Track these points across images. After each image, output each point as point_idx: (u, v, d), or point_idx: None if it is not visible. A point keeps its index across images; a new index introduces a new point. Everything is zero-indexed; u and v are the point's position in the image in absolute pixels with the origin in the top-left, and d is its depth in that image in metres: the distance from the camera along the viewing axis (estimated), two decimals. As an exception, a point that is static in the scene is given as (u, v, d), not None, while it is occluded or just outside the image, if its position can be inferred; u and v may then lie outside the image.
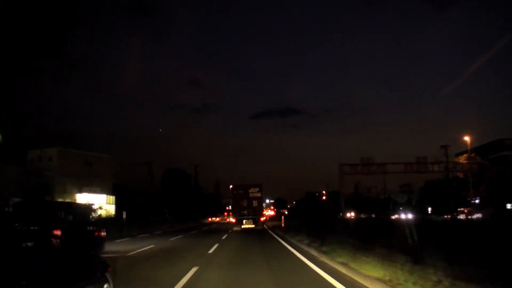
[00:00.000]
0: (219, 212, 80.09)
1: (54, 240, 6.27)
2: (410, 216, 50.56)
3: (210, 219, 71.41)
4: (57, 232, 6.55)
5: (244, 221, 29.61)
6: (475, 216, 43.29)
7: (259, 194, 30.91)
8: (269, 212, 69.16)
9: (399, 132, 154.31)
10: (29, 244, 5.08)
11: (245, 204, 30.30)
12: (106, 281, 4.74)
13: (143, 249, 15.53)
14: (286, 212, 72.71)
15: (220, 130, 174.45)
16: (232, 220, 31.80)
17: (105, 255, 9.58)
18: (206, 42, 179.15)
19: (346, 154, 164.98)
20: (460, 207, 52.13)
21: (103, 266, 4.91)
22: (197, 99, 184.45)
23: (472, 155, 47.72)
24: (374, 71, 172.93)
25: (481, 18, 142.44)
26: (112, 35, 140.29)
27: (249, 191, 30.64)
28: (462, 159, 48.20)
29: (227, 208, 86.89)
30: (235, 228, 29.89)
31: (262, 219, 31.69)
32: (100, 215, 30.37)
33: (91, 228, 10.11)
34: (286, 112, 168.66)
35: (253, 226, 29.29)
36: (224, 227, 36.75)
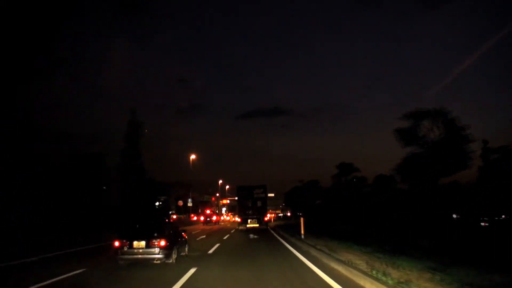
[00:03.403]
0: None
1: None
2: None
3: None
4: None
5: (249, 221, 30.67)
6: None
7: (263, 195, 31.99)
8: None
9: (389, 132, 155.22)
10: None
11: (250, 204, 31.34)
12: (186, 242, 12.75)
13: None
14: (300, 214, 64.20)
15: (206, 130, 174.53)
16: (238, 219, 33.03)
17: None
18: (193, 42, 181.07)
19: (335, 154, 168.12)
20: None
21: (183, 236, 12.72)
22: (184, 99, 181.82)
23: None
24: (363, 71, 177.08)
25: (473, 17, 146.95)
26: (100, 34, 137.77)
27: (254, 191, 31.71)
28: None
29: (179, 204, 52.94)
30: (240, 227, 31.06)
31: (266, 218, 32.72)
32: None
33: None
34: (274, 112, 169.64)
35: (257, 225, 30.48)
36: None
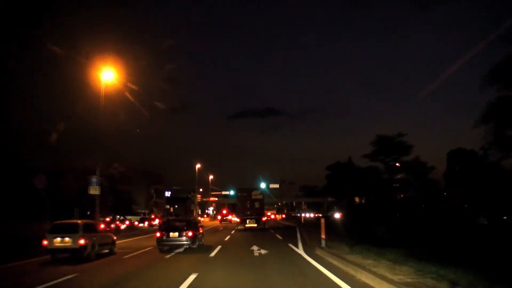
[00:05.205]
0: None
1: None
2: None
3: None
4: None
5: (247, 221, 32.13)
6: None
7: (261, 197, 33.94)
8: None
9: (382, 132, 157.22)
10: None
11: (248, 206, 32.92)
12: (203, 235, 17.48)
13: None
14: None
15: (197, 129, 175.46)
16: (237, 219, 34.73)
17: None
18: (184, 42, 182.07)
19: (327, 155, 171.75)
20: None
21: (200, 231, 16.93)
22: (174, 98, 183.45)
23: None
24: (355, 71, 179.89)
25: (465, 18, 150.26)
26: (89, 30, 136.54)
27: (252, 193, 33.60)
28: None
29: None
30: (239, 227, 32.37)
31: (263, 219, 34.12)
32: None
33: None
34: (266, 113, 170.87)
35: (255, 225, 31.97)
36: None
